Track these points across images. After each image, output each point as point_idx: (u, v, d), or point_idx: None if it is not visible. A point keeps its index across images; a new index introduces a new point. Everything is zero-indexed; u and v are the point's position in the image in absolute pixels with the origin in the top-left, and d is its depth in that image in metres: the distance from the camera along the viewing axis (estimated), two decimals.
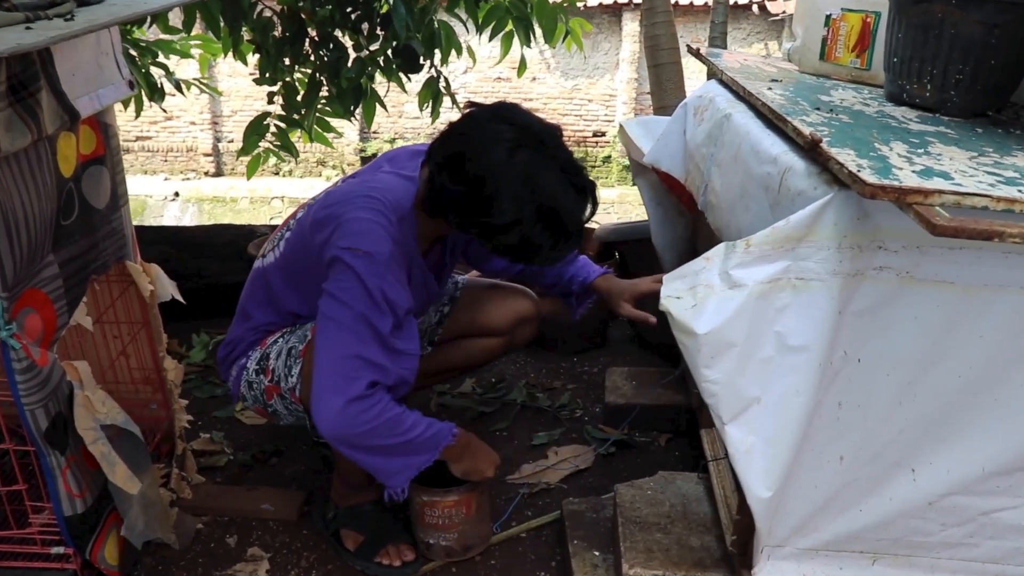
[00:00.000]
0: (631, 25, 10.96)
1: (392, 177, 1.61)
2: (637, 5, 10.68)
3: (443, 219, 1.57)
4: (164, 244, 2.85)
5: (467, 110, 1.57)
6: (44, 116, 1.32)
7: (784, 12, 10.60)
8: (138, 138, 11.49)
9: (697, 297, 1.16)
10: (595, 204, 1.57)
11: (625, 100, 11.30)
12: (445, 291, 2.00)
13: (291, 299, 1.69)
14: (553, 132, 1.53)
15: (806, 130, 1.23)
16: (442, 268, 1.83)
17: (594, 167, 11.48)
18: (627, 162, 11.29)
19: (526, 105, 1.59)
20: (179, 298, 1.78)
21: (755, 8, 10.75)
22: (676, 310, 1.17)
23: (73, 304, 1.51)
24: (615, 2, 10.80)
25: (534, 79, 11.32)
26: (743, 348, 1.17)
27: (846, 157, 1.12)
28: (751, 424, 1.21)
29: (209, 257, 2.81)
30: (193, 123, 11.50)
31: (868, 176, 1.03)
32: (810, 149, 1.19)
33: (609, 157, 11.48)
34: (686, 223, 2.13)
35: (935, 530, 1.34)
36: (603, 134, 11.56)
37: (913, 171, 1.09)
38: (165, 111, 4.11)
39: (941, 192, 1.00)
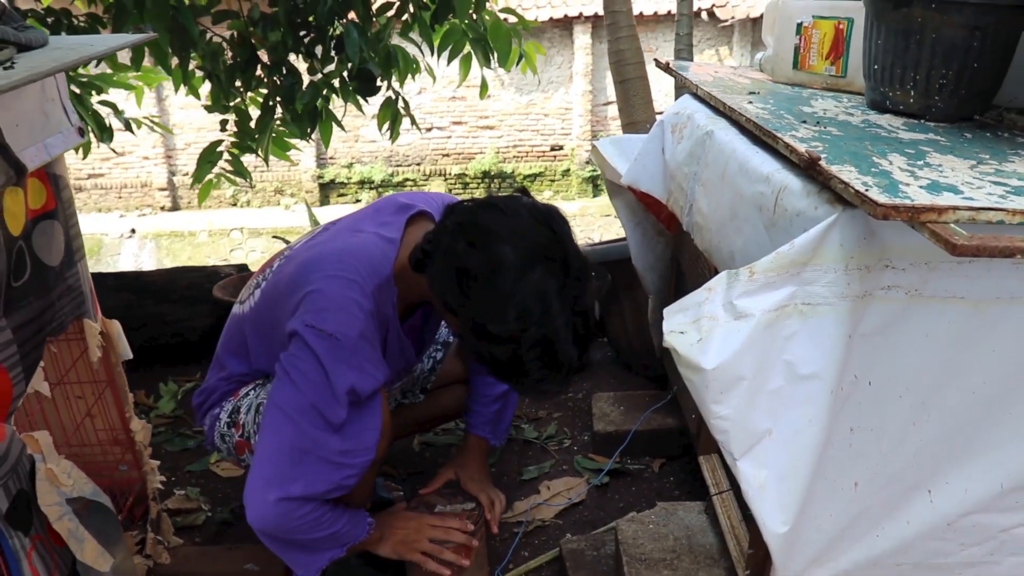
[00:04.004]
0: (583, 38, 10.99)
1: (373, 238, 1.48)
2: (588, 18, 10.74)
3: (427, 284, 1.39)
4: (125, 291, 2.73)
5: (516, 194, 1.43)
6: None
7: (733, 18, 10.69)
8: (90, 175, 11.27)
9: (702, 331, 1.10)
10: (586, 361, 1.40)
11: (581, 112, 11.30)
12: (439, 336, 1.93)
13: (260, 356, 1.59)
14: (584, 264, 1.36)
15: (801, 147, 1.18)
16: (423, 332, 1.72)
17: (554, 180, 11.45)
18: (587, 175, 11.28)
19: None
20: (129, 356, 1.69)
21: (704, 15, 10.82)
22: (681, 346, 1.10)
23: (30, 370, 1.40)
24: (566, 16, 10.80)
25: (489, 96, 11.24)
26: (753, 381, 1.11)
27: (849, 175, 1.07)
28: (763, 458, 1.15)
29: (173, 302, 2.69)
30: (146, 158, 11.29)
31: (878, 196, 0.98)
32: (808, 168, 1.13)
33: (568, 170, 11.46)
34: (667, 242, 2.07)
35: (955, 550, 1.30)
36: (561, 148, 11.53)
37: (920, 186, 1.04)
38: (116, 151, 3.97)
39: (955, 208, 0.95)
